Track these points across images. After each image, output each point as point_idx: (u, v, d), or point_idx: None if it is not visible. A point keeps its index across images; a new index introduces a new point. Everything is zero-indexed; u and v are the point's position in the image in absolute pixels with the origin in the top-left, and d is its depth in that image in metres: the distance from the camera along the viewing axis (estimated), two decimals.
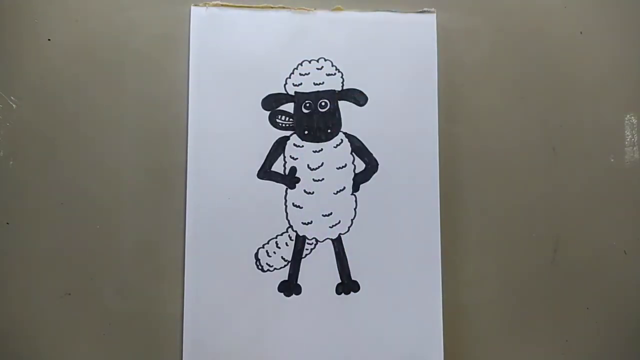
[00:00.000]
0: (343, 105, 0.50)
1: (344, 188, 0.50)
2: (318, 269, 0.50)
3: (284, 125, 0.50)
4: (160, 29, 0.50)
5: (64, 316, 0.49)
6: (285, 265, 0.50)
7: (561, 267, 0.53)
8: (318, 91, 0.50)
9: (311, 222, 0.50)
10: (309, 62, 0.50)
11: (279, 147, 0.50)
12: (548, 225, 0.53)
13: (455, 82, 0.52)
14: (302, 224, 0.50)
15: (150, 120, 0.50)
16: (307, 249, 0.50)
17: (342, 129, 0.50)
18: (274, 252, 0.49)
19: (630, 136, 0.54)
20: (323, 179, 0.50)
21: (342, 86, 0.50)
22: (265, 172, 0.50)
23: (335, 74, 0.50)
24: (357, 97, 0.50)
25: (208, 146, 0.49)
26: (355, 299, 0.49)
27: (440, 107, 0.51)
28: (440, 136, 0.50)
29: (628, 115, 0.54)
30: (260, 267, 0.49)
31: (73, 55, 0.50)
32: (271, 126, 0.50)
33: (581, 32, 0.54)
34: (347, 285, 0.50)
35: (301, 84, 0.50)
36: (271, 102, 0.50)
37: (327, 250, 0.50)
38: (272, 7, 0.50)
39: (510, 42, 0.53)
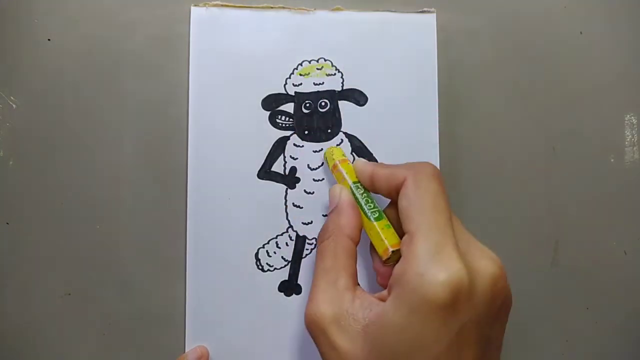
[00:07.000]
0: (343, 105, 0.50)
1: None
2: None
3: (284, 125, 0.50)
4: (159, 29, 0.50)
5: (64, 316, 0.49)
6: (285, 265, 0.50)
7: (561, 267, 0.53)
8: (318, 91, 0.50)
9: (311, 222, 0.50)
10: (309, 62, 0.50)
11: (279, 147, 0.50)
12: (548, 225, 0.53)
13: (456, 82, 0.52)
14: (302, 224, 0.50)
15: (150, 120, 0.50)
16: (307, 249, 0.50)
17: (342, 129, 0.50)
18: (274, 252, 0.49)
19: (630, 136, 0.54)
20: (323, 179, 0.50)
21: (342, 86, 0.50)
22: (266, 172, 0.50)
23: (335, 74, 0.50)
24: (357, 97, 0.50)
25: (208, 146, 0.49)
26: None
27: (440, 107, 0.51)
28: (440, 136, 0.50)
29: (628, 115, 0.54)
30: (260, 267, 0.49)
31: (73, 56, 0.50)
32: (271, 126, 0.50)
33: (581, 32, 0.54)
34: None
35: (301, 84, 0.50)
36: (271, 102, 0.50)
37: None
38: (272, 7, 0.50)
39: (510, 42, 0.53)
